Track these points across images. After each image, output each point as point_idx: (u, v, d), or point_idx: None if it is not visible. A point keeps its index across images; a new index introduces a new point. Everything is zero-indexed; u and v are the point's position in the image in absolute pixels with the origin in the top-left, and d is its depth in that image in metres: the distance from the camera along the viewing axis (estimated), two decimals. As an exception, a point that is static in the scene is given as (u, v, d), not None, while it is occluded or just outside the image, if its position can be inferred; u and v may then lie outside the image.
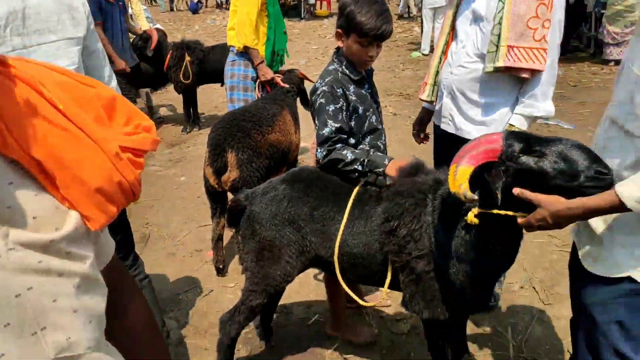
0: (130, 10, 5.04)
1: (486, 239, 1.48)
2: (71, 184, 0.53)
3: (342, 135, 1.91)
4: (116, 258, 0.70)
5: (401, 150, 4.37)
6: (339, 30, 1.95)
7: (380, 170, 1.83)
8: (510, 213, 1.36)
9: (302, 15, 13.64)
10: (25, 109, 0.50)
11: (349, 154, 1.85)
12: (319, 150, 1.91)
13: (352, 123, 1.97)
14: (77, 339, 0.52)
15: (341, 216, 1.76)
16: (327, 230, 1.78)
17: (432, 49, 8.38)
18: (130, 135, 0.62)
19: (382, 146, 2.10)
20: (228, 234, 3.08)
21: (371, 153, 1.86)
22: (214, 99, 6.43)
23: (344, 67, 1.96)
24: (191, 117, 5.51)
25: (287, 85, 3.27)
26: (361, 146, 1.98)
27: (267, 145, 2.84)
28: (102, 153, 0.56)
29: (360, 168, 1.84)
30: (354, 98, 1.96)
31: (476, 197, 1.31)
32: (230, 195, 2.79)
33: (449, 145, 2.38)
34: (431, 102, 2.47)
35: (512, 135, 1.38)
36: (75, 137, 0.54)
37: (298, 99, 3.38)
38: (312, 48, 9.63)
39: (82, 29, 1.72)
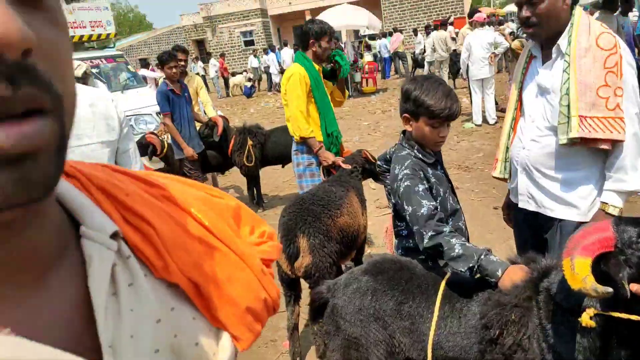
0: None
1: (608, 343, 1.31)
2: (224, 305, 0.51)
3: (441, 214, 1.81)
4: None
5: (471, 227, 4.21)
6: (405, 115, 1.95)
7: (493, 281, 1.61)
8: (635, 318, 1.20)
9: (350, 93, 14.17)
10: (181, 231, 0.50)
11: (457, 247, 1.67)
12: (422, 232, 1.75)
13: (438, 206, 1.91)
14: None
15: (430, 313, 1.64)
16: (417, 329, 1.66)
17: (484, 119, 8.38)
18: (258, 245, 0.61)
19: (463, 227, 2.03)
20: (302, 321, 3.00)
21: (483, 256, 1.63)
22: (275, 180, 6.60)
23: (415, 151, 1.95)
24: (255, 199, 5.64)
25: (349, 166, 3.31)
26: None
27: (337, 229, 2.81)
28: (248, 270, 0.55)
29: (468, 273, 1.64)
30: (433, 180, 1.93)
31: (610, 289, 1.16)
32: (303, 282, 2.75)
33: (530, 224, 2.27)
34: (505, 180, 2.41)
35: (622, 221, 1.28)
36: (224, 255, 0.53)
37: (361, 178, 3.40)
38: (364, 124, 9.85)
39: (115, 133, 2.03)
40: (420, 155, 1.94)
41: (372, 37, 18.32)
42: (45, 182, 0.34)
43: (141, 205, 0.49)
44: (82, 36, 7.68)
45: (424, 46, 14.11)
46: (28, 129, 0.32)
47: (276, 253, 0.63)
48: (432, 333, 1.62)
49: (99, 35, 8.01)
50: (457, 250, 1.66)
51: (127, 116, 6.75)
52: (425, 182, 1.87)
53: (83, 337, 0.40)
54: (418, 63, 15.66)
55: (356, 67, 14.90)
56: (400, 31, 18.46)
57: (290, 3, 31.21)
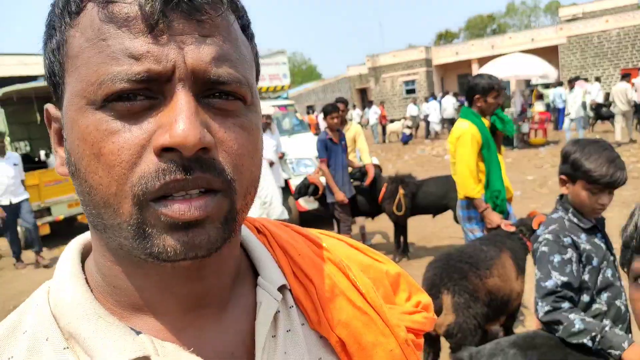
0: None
1: None
2: None
3: (569, 292, 1.69)
4: None
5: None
6: (562, 176, 1.86)
7: (617, 353, 1.50)
8: None
9: (515, 144, 13.32)
10: (335, 290, 0.56)
11: (577, 322, 1.60)
12: (540, 304, 1.70)
13: (586, 276, 1.75)
14: None
15: None
16: None
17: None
18: (411, 314, 0.63)
19: (622, 307, 1.77)
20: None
21: (607, 329, 1.55)
22: (423, 230, 6.49)
23: (570, 214, 1.84)
24: (401, 247, 5.62)
25: (513, 228, 3.11)
26: (597, 305, 1.71)
27: (486, 291, 2.65)
28: (393, 339, 0.57)
29: (590, 344, 1.56)
30: (587, 247, 1.77)
31: None
32: (444, 340, 2.64)
33: None
34: None
35: None
36: (373, 321, 0.57)
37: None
38: (528, 179, 9.16)
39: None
40: (575, 220, 1.83)
41: (547, 86, 17.15)
42: (208, 246, 0.42)
43: (308, 265, 0.56)
44: (261, 88, 8.75)
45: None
46: (197, 204, 0.41)
47: (429, 325, 0.65)
48: None
49: (275, 87, 9.01)
50: (577, 326, 1.61)
51: (290, 159, 7.32)
52: (569, 250, 1.76)
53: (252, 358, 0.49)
54: (600, 115, 14.16)
55: (524, 117, 14.04)
56: (585, 79, 16.95)
57: (457, 53, 31.11)
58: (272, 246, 0.57)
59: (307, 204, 6.41)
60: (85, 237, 0.54)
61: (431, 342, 2.68)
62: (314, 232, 0.65)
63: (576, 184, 1.80)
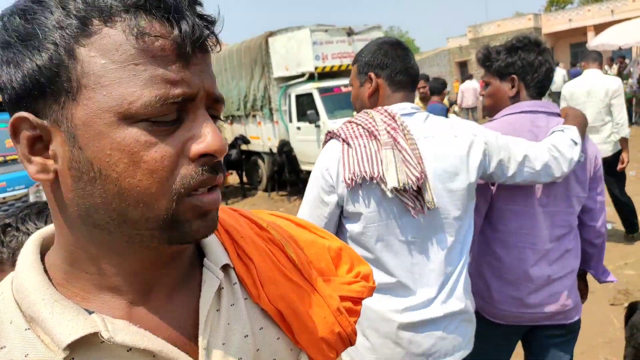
0: None
1: None
2: (302, 332, 0.65)
3: None
4: None
5: None
6: None
7: None
8: None
9: (634, 120, 12.02)
10: (274, 268, 0.66)
11: None
12: None
13: None
14: None
15: None
16: None
17: None
18: (350, 284, 0.73)
19: None
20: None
21: None
22: None
23: None
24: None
25: None
26: None
27: None
28: (327, 308, 0.68)
29: None
30: None
31: None
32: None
33: None
34: None
35: None
36: (307, 293, 0.67)
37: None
38: (646, 157, 8.28)
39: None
40: None
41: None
42: (213, 227, 0.55)
43: (249, 246, 0.66)
44: (356, 63, 8.76)
45: None
46: (215, 196, 0.54)
47: (367, 292, 0.74)
48: None
49: (370, 62, 8.94)
50: None
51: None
52: None
53: (190, 340, 0.57)
54: None
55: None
56: None
57: (570, 20, 28.38)
58: (219, 230, 0.66)
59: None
60: (44, 233, 0.61)
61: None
62: (261, 214, 0.75)
63: None
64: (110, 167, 0.49)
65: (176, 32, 0.49)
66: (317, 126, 7.85)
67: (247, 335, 0.61)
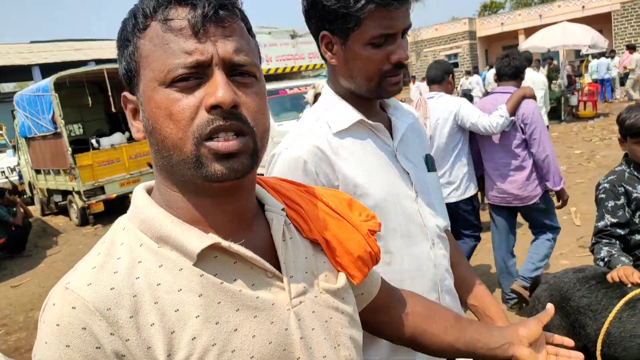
0: None
1: None
2: (343, 254, 0.82)
3: (617, 230, 2.09)
4: (384, 287, 0.96)
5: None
6: (619, 138, 2.24)
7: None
8: None
9: (563, 118, 12.79)
10: (316, 209, 0.84)
11: (602, 252, 2.06)
12: (592, 241, 2.17)
13: (637, 219, 2.13)
14: (353, 358, 0.78)
15: None
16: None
17: None
18: (365, 221, 0.90)
19: None
20: None
21: (615, 255, 2.00)
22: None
23: (631, 168, 2.19)
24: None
25: None
26: None
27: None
28: (358, 233, 0.84)
29: (601, 264, 2.04)
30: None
31: None
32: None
33: None
34: None
35: None
36: (344, 224, 0.84)
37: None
38: (575, 153, 8.84)
39: None
40: (635, 172, 2.17)
41: (598, 56, 16.25)
42: (243, 170, 0.65)
43: (295, 196, 0.84)
44: (300, 66, 8.77)
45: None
46: (233, 142, 0.64)
47: (377, 226, 0.90)
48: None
49: (314, 65, 9.01)
50: (601, 254, 2.08)
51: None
52: (622, 197, 2.13)
53: (271, 257, 0.73)
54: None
55: (572, 89, 13.41)
56: (634, 47, 15.96)
57: (502, 24, 29.89)
58: (267, 189, 0.82)
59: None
60: (145, 184, 0.76)
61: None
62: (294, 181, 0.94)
63: (627, 141, 2.15)
64: (156, 121, 0.64)
65: (191, 14, 0.64)
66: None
67: (306, 257, 0.79)
